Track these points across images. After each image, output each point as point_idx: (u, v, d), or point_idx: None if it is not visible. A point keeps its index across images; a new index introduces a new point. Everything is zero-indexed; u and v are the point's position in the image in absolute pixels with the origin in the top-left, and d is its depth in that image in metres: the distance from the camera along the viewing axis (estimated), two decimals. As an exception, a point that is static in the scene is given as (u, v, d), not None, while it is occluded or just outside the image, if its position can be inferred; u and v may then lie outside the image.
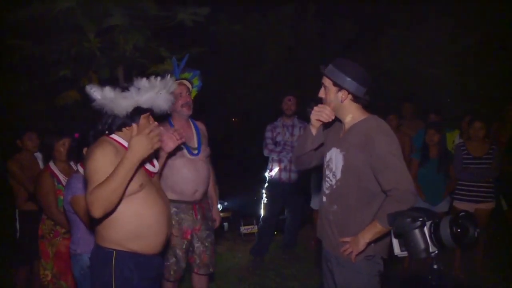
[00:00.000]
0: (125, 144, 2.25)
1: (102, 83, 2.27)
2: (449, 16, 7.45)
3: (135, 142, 2.08)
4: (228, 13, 8.21)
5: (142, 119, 2.26)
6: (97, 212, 2.03)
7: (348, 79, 2.35)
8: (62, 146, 3.49)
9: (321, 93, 2.48)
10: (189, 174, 3.31)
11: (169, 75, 2.37)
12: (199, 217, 3.36)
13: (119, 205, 2.15)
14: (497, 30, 7.17)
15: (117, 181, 2.03)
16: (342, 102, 2.40)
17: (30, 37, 4.67)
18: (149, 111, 2.26)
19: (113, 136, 2.26)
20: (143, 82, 2.21)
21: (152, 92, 2.19)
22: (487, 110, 6.60)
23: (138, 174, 2.21)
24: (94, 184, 2.06)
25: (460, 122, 5.47)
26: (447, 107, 7.16)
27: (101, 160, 2.10)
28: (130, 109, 2.18)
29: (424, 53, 7.72)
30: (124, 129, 2.27)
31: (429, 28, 7.63)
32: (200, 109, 4.32)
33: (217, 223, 3.69)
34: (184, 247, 3.29)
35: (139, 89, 2.19)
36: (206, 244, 3.42)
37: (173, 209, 3.23)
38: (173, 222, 3.15)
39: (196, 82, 3.51)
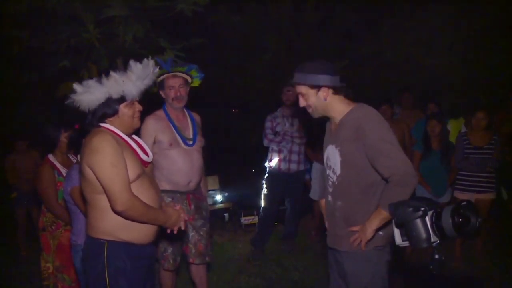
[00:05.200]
0: (117, 131, 2.26)
1: (102, 74, 2.27)
2: (450, 5, 7.39)
3: (171, 214, 2.35)
4: (227, 4, 8.15)
5: (123, 107, 2.27)
6: (120, 208, 2.12)
7: (320, 75, 2.34)
8: (67, 137, 3.48)
9: (301, 103, 2.46)
10: (184, 166, 3.34)
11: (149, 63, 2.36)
12: (192, 207, 3.40)
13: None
14: (498, 19, 7.13)
15: (147, 216, 2.23)
16: (325, 100, 2.38)
17: (28, 28, 4.64)
18: (124, 99, 2.26)
19: (105, 125, 2.26)
20: (115, 73, 2.24)
21: (116, 80, 2.21)
22: (488, 100, 6.58)
23: (136, 165, 2.23)
24: (118, 178, 2.11)
25: (465, 111, 5.43)
26: (447, 97, 7.14)
27: (112, 152, 2.13)
28: (101, 100, 2.21)
29: (424, 43, 7.68)
30: (109, 120, 2.27)
31: (430, 18, 7.58)
32: (200, 100, 4.31)
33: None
34: (179, 236, 3.32)
35: (106, 77, 2.21)
36: (201, 233, 3.44)
37: (168, 199, 3.26)
38: None
39: (195, 73, 3.52)
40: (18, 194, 5.49)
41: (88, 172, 2.16)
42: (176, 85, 3.38)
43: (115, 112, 2.26)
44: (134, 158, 2.25)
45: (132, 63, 2.28)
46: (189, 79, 3.49)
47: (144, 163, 2.34)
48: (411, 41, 7.72)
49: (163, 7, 4.65)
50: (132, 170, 2.20)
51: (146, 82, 2.31)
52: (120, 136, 2.26)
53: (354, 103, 2.43)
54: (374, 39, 8.12)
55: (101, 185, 2.14)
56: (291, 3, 8.62)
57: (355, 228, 2.35)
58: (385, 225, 2.29)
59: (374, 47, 7.91)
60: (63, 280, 3.40)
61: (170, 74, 3.38)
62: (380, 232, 2.33)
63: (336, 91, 2.39)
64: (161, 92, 3.47)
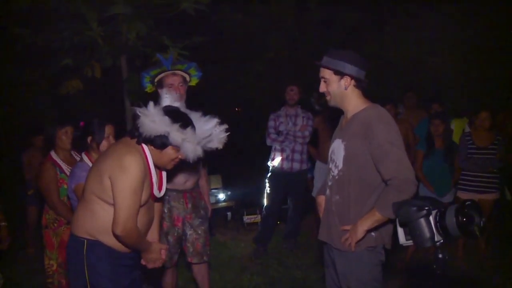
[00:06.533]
0: (149, 160, 2.26)
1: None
2: (453, 5, 7.38)
3: (153, 250, 2.41)
4: (230, 2, 8.15)
5: (170, 149, 2.25)
6: (119, 233, 2.16)
7: (348, 64, 2.36)
8: (65, 134, 3.48)
9: (322, 88, 2.48)
10: (180, 164, 3.31)
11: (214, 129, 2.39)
12: (189, 206, 3.37)
13: (106, 206, 2.20)
14: (502, 19, 7.11)
15: (136, 246, 2.32)
16: (346, 89, 2.40)
17: (32, 25, 4.65)
18: (177, 147, 2.24)
19: (144, 147, 2.25)
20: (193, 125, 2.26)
21: (182, 136, 2.19)
22: (491, 100, 6.56)
23: (146, 195, 2.27)
24: (132, 206, 2.16)
25: (468, 111, 5.43)
26: (450, 97, 7.12)
27: (138, 178, 2.16)
28: (158, 133, 2.18)
29: (427, 43, 7.67)
30: (150, 147, 2.26)
31: (433, 18, 7.57)
32: (203, 99, 4.30)
33: (209, 214, 3.66)
34: (176, 234, 3.30)
35: (179, 125, 2.18)
36: (199, 232, 3.42)
37: (165, 197, 3.25)
38: (165, 210, 3.21)
39: (194, 72, 3.51)
40: (34, 191, 5.45)
41: (107, 182, 2.17)
42: (176, 83, 3.35)
43: (161, 147, 2.25)
44: (147, 190, 2.28)
45: (216, 131, 2.36)
46: (188, 78, 3.48)
47: (153, 197, 2.37)
48: (414, 41, 7.71)
49: (166, 5, 4.66)
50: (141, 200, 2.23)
51: (204, 148, 2.33)
52: (149, 166, 2.27)
53: (369, 102, 2.45)
54: (377, 39, 8.11)
55: (114, 201, 2.16)
56: (294, 2, 8.62)
57: (347, 227, 2.36)
58: (378, 226, 2.31)
59: (377, 47, 7.90)
60: (65, 276, 3.41)
61: (170, 72, 3.36)
62: (372, 233, 2.34)
63: (358, 84, 2.41)
64: (159, 91, 3.44)
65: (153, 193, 2.35)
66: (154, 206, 2.51)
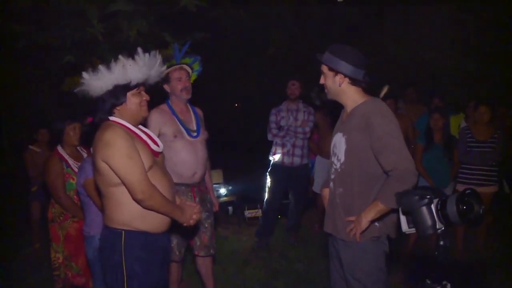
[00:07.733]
0: (127, 124, 2.28)
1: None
2: (452, 2, 7.40)
3: (186, 209, 2.43)
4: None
5: (131, 96, 2.29)
6: (141, 196, 2.17)
7: (343, 62, 2.38)
8: (73, 130, 3.52)
9: (322, 80, 2.53)
10: (188, 157, 3.37)
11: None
12: (197, 199, 3.42)
13: (122, 188, 2.21)
14: (500, 13, 7.13)
15: (166, 208, 2.29)
16: (340, 86, 2.44)
17: (33, 23, 4.67)
18: (133, 87, 2.28)
19: (114, 119, 2.28)
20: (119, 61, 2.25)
21: (120, 67, 2.22)
22: (491, 94, 6.60)
23: (147, 156, 2.26)
24: (136, 169, 2.16)
25: (466, 106, 5.47)
26: (450, 92, 7.16)
27: (126, 144, 2.16)
28: (109, 87, 2.22)
29: (427, 38, 7.69)
30: (117, 110, 2.29)
31: (432, 12, 7.59)
32: (204, 94, 4.33)
33: (215, 207, 3.71)
34: (183, 227, 3.35)
35: (111, 68, 2.22)
36: (206, 225, 3.48)
37: None
38: None
39: (197, 67, 3.56)
40: (38, 188, 5.45)
41: (102, 166, 2.19)
42: (183, 77, 3.43)
43: (122, 101, 2.28)
44: (145, 150, 2.28)
45: (139, 50, 2.29)
46: (190, 73, 3.53)
47: (155, 154, 2.37)
48: (414, 37, 7.74)
49: (167, 2, 4.69)
50: (144, 162, 2.23)
51: (153, 72, 2.33)
52: (129, 129, 2.29)
53: (368, 96, 2.48)
54: (377, 35, 8.14)
55: (119, 177, 2.17)
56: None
57: (351, 218, 2.41)
58: (382, 217, 2.35)
59: (377, 42, 7.93)
60: (71, 268, 3.45)
61: (177, 66, 3.42)
62: (376, 223, 2.38)
63: (353, 82, 2.43)
64: (165, 86, 3.48)
65: (152, 149, 2.35)
66: (164, 166, 2.52)
